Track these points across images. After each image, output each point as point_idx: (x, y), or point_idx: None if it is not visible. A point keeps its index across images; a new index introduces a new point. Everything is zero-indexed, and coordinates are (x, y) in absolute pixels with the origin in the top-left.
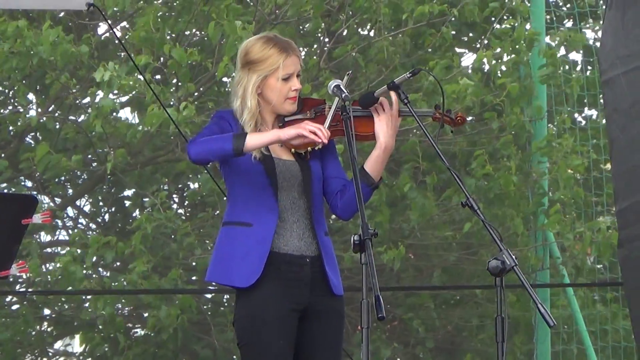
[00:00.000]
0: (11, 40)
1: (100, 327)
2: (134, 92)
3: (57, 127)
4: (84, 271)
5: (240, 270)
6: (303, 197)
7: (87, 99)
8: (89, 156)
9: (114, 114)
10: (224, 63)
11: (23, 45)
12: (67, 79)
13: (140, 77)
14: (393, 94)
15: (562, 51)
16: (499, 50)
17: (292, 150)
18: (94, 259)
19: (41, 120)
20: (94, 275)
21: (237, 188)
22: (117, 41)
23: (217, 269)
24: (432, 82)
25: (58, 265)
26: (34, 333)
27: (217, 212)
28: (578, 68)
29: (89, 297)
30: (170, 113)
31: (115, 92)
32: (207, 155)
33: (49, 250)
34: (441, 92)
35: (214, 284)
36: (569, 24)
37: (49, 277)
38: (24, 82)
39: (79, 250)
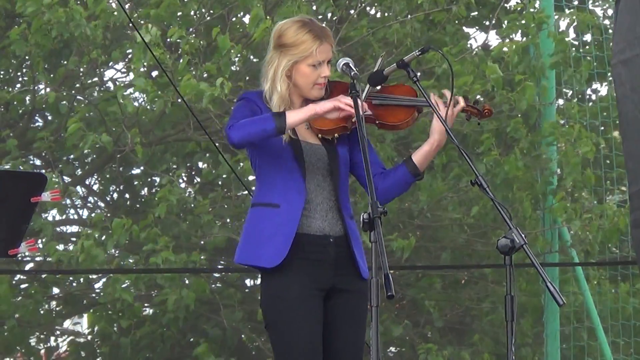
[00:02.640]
0: (36, 19)
1: (108, 305)
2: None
3: (67, 105)
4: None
5: (267, 250)
6: (328, 179)
7: (96, 79)
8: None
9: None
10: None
11: (53, 22)
12: (98, 54)
13: (160, 54)
14: (461, 99)
15: (572, 34)
16: (511, 36)
17: (319, 135)
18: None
19: (56, 93)
20: (116, 252)
21: (265, 170)
22: (122, 11)
23: (245, 250)
24: (445, 70)
25: (79, 244)
26: (42, 312)
27: (229, 192)
28: (587, 47)
29: (102, 280)
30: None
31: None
32: (248, 137)
33: (57, 229)
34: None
35: (221, 263)
36: (576, 2)
37: (70, 256)
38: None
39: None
